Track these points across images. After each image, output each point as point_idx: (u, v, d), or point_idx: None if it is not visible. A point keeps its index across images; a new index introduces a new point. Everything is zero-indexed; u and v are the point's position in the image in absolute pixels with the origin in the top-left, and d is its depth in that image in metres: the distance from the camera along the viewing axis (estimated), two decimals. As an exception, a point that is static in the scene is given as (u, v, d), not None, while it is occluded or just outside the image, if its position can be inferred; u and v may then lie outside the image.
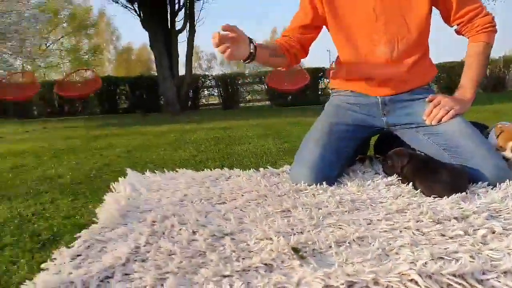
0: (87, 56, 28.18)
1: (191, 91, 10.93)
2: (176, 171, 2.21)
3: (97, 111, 11.80)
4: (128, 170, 2.20)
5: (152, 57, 9.97)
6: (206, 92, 12.83)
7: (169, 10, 8.99)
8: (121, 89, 11.82)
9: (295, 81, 9.95)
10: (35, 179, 2.40)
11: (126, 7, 9.34)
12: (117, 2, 9.32)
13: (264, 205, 1.51)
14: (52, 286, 0.91)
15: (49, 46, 26.10)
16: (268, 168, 2.13)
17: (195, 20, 9.57)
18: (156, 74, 9.52)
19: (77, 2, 26.96)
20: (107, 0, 9.40)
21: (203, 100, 13.19)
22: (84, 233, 1.28)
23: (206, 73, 18.21)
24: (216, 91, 13.00)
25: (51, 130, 6.22)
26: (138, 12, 9.01)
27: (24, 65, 22.82)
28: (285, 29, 2.24)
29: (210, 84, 12.48)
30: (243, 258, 1.04)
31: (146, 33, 8.63)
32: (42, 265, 1.08)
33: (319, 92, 14.05)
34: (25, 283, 0.97)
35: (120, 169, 2.59)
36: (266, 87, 13.06)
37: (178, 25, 9.18)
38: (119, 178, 2.02)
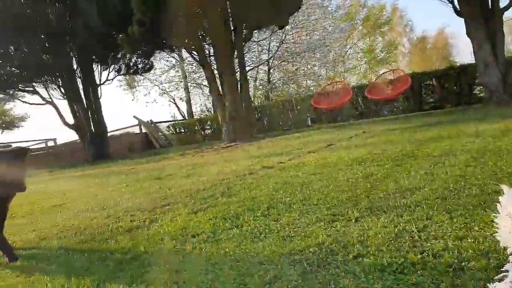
0: (382, 54, 29.41)
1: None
2: None
3: (401, 110, 12.02)
4: (504, 188, 2.04)
5: (452, 41, 9.00)
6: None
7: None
8: (426, 84, 11.57)
9: None
10: (393, 191, 2.63)
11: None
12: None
13: None
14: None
15: (347, 51, 28.87)
16: None
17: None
18: (464, 62, 8.67)
19: (370, 3, 28.72)
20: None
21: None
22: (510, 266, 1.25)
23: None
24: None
25: (371, 134, 6.80)
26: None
27: (327, 73, 26.40)
28: None
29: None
30: None
31: (440, 19, 7.94)
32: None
33: None
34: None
35: (481, 181, 2.46)
36: None
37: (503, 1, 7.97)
38: (499, 197, 1.90)
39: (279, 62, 22.44)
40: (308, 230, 2.11)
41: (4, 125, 17.80)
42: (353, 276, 1.50)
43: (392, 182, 2.87)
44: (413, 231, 1.85)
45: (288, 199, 2.86)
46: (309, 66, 23.48)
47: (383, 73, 10.60)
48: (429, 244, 1.68)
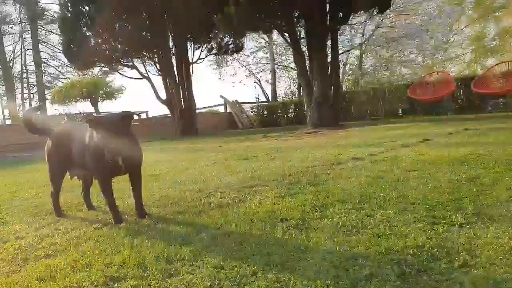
0: (493, 42, 26.53)
1: None
2: None
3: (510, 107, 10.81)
4: None
5: None
6: None
7: None
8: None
9: None
10: (506, 198, 2.40)
11: None
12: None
13: None
14: None
15: (451, 38, 26.61)
16: None
17: None
18: None
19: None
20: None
21: None
22: None
23: None
24: None
25: (475, 132, 6.26)
26: None
27: (425, 61, 24.60)
28: None
29: None
30: None
31: None
32: None
33: None
34: None
35: None
36: None
37: None
38: None
39: (373, 47, 21.49)
40: (405, 230, 2.02)
41: (104, 96, 19.64)
42: (459, 287, 1.41)
43: (504, 189, 2.62)
44: (532, 248, 1.68)
45: (382, 194, 2.77)
46: (405, 53, 22.16)
47: (496, 64, 9.57)
48: (552, 264, 1.52)
